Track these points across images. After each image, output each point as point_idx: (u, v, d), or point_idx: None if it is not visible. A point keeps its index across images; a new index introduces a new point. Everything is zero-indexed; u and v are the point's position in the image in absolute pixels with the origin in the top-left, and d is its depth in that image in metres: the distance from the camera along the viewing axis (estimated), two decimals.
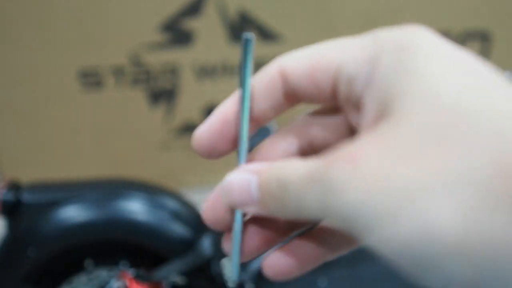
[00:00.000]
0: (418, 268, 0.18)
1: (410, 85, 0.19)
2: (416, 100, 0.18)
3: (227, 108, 0.24)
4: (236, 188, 0.22)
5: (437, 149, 0.17)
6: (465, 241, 0.17)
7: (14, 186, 0.74)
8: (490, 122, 0.17)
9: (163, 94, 1.25)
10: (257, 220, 0.24)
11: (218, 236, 0.76)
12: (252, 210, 0.22)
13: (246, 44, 0.23)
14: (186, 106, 1.27)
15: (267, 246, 0.25)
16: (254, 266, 0.78)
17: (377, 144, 0.18)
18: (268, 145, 0.25)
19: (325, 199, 0.19)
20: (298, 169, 0.20)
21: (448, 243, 0.17)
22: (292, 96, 0.24)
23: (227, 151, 0.25)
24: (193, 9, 1.16)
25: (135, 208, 0.77)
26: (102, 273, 0.77)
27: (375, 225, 0.18)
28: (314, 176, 0.19)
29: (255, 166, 0.23)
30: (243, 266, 0.78)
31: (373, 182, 0.18)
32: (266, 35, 1.21)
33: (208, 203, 0.25)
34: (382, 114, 0.19)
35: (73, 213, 0.75)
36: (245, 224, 0.24)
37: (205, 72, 1.23)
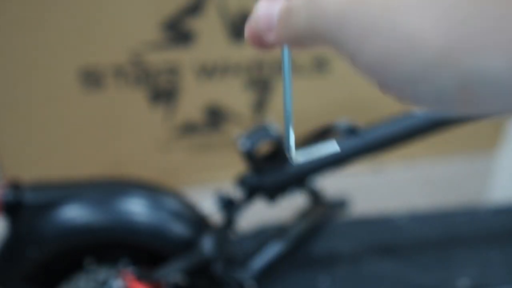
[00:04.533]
0: (406, 84, 0.18)
1: None
2: None
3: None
4: (262, 16, 0.24)
5: None
6: (451, 48, 0.16)
7: (15, 186, 0.74)
8: None
9: (163, 94, 1.25)
10: None
11: (218, 236, 0.76)
12: (271, 38, 0.24)
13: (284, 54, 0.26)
14: (186, 106, 1.27)
15: None
16: (255, 265, 0.78)
17: None
18: None
19: (312, 13, 0.21)
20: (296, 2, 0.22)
21: (433, 52, 0.17)
22: None
23: None
24: (194, 9, 1.16)
25: (136, 207, 0.76)
26: (102, 272, 0.77)
27: (357, 36, 0.18)
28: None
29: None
30: (243, 265, 0.78)
31: None
32: None
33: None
34: None
35: (73, 213, 0.75)
36: None
37: (206, 71, 1.23)
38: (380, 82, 0.19)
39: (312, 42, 0.22)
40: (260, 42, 0.25)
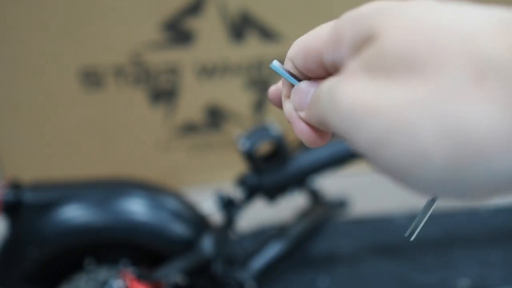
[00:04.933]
0: (423, 186, 0.18)
1: (382, 19, 0.20)
2: (392, 23, 0.19)
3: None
4: (298, 94, 0.26)
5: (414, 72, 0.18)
6: (457, 159, 0.17)
7: (15, 186, 0.74)
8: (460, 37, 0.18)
9: (163, 94, 1.25)
10: None
11: (218, 236, 0.76)
12: (302, 115, 0.26)
13: (277, 69, 0.27)
14: (186, 106, 1.27)
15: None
16: (255, 265, 0.78)
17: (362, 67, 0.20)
18: None
19: (330, 106, 0.22)
20: (327, 82, 0.23)
21: (441, 163, 0.17)
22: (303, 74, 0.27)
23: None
24: (194, 9, 1.16)
25: (136, 207, 0.76)
26: (102, 272, 0.77)
27: (370, 142, 0.19)
28: (330, 86, 0.22)
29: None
30: (243, 265, 0.78)
31: (363, 99, 0.19)
32: (267, 34, 1.21)
33: (273, 88, 0.31)
34: (363, 44, 0.21)
35: (73, 213, 0.75)
36: None
37: (206, 71, 1.23)
38: (398, 181, 0.20)
39: (331, 130, 0.23)
40: (279, 105, 0.29)
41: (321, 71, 0.25)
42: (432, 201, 0.26)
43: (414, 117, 0.17)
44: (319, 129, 0.26)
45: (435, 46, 0.18)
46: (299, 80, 0.27)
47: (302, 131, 0.26)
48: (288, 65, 0.27)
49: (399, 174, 0.19)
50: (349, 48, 0.22)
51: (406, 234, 0.26)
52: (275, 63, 0.27)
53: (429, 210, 0.26)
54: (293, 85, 0.27)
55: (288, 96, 0.28)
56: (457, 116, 0.17)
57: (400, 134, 0.18)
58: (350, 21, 0.22)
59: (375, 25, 0.20)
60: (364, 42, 0.20)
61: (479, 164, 0.17)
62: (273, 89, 0.32)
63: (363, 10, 0.21)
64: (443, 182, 0.18)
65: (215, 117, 1.30)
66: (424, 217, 0.26)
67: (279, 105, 0.31)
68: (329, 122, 0.22)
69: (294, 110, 0.27)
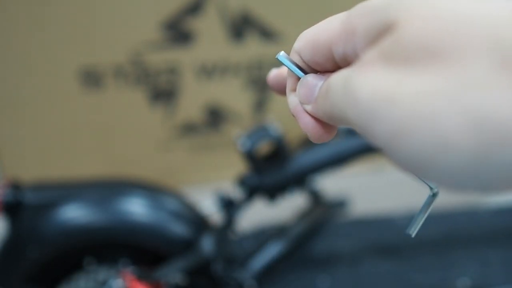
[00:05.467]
0: (445, 179, 0.18)
1: (399, 9, 0.20)
2: (412, 12, 0.19)
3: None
4: (305, 87, 0.26)
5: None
6: (481, 149, 0.16)
7: (15, 186, 0.74)
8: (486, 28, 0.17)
9: (163, 94, 1.25)
10: None
11: (218, 236, 0.76)
12: (308, 109, 0.26)
13: (283, 61, 0.27)
14: (186, 106, 1.27)
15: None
16: (255, 265, 0.78)
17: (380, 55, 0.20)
18: None
19: (346, 99, 0.21)
20: (339, 74, 0.22)
21: (467, 153, 0.17)
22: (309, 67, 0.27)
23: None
24: (194, 9, 1.16)
25: (136, 207, 0.76)
26: (102, 272, 0.77)
27: (388, 133, 0.18)
28: (345, 77, 0.21)
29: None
30: (243, 265, 0.78)
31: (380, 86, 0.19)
32: (267, 34, 1.21)
33: (274, 73, 0.31)
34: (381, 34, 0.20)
35: (73, 213, 0.75)
36: None
37: (206, 71, 1.23)
38: (418, 173, 0.19)
39: (343, 124, 0.23)
40: (282, 92, 0.29)
41: (329, 64, 0.25)
42: (433, 197, 0.26)
43: (437, 105, 0.17)
44: (326, 123, 0.25)
45: (457, 34, 0.17)
46: (306, 73, 0.26)
47: (307, 125, 0.26)
48: (295, 57, 0.26)
49: (420, 165, 0.18)
50: (363, 39, 0.21)
51: (407, 231, 0.26)
52: (283, 54, 0.27)
53: (429, 206, 0.26)
54: (299, 78, 0.26)
55: (294, 90, 0.27)
56: (481, 104, 0.16)
57: (422, 123, 0.17)
58: (364, 12, 0.21)
59: (392, 15, 0.20)
60: (381, 32, 0.20)
61: (504, 152, 0.16)
62: (274, 74, 0.31)
63: (377, 1, 0.21)
64: (467, 172, 0.17)
65: (215, 117, 1.30)
66: (424, 214, 0.26)
67: (279, 91, 0.31)
68: (340, 115, 0.22)
69: (300, 103, 0.26)
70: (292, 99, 0.27)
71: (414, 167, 0.18)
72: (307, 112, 0.26)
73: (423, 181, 0.25)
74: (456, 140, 0.17)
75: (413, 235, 0.26)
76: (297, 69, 0.26)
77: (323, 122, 0.25)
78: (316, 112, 0.25)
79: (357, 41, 0.22)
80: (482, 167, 0.17)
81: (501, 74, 0.16)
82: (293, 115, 0.27)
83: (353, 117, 0.20)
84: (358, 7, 0.22)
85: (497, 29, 0.17)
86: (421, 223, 0.26)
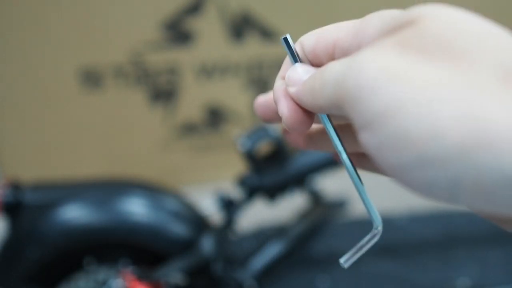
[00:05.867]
0: (420, 168, 0.18)
1: (423, 9, 0.21)
2: (437, 11, 0.21)
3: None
4: (296, 71, 0.26)
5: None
6: (466, 143, 0.17)
7: (15, 186, 0.74)
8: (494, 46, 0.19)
9: (163, 94, 1.25)
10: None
11: (218, 236, 0.76)
12: (292, 91, 0.26)
13: (285, 44, 0.27)
14: (186, 106, 1.27)
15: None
16: (255, 265, 0.78)
17: (393, 43, 0.21)
18: None
19: (348, 71, 0.21)
20: (339, 60, 0.23)
21: (451, 144, 0.17)
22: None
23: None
24: (194, 9, 1.16)
25: (136, 207, 0.76)
26: (102, 272, 0.77)
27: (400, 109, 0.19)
28: (349, 59, 0.22)
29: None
30: (243, 265, 0.78)
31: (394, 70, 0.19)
32: (267, 34, 1.21)
33: (262, 99, 0.32)
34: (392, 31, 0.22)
35: (73, 213, 0.75)
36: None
37: (206, 71, 1.23)
38: (398, 153, 0.19)
39: (325, 106, 0.23)
40: (269, 119, 0.31)
41: (327, 60, 0.25)
42: (375, 235, 0.26)
43: (438, 94, 0.18)
44: (304, 110, 0.26)
45: (473, 41, 0.19)
46: (301, 62, 0.27)
47: (286, 108, 0.26)
48: (297, 46, 0.27)
49: (405, 144, 0.18)
50: (378, 31, 0.22)
51: (340, 261, 0.26)
52: (288, 37, 0.27)
53: (369, 244, 0.26)
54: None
55: (283, 77, 0.27)
56: (479, 108, 0.17)
57: (421, 105, 0.18)
58: (385, 13, 0.23)
59: (416, 13, 0.21)
60: (402, 25, 0.21)
61: (489, 155, 0.17)
62: (261, 100, 0.31)
63: (393, 10, 0.23)
64: (449, 161, 0.18)
65: (215, 117, 1.30)
66: (363, 250, 0.26)
67: (266, 118, 0.31)
68: (330, 91, 0.22)
69: (286, 85, 0.26)
70: (279, 83, 0.27)
71: (399, 144, 0.19)
72: (290, 97, 0.26)
73: (371, 215, 0.26)
74: (447, 130, 0.17)
75: (345, 267, 0.26)
76: (294, 54, 0.27)
77: (302, 108, 0.26)
78: (299, 94, 0.25)
79: (367, 34, 0.23)
80: (464, 160, 0.17)
81: (502, 87, 0.18)
82: (275, 100, 0.27)
83: (351, 88, 0.20)
84: (379, 11, 0.24)
85: (507, 49, 0.19)
86: (357, 256, 0.26)
